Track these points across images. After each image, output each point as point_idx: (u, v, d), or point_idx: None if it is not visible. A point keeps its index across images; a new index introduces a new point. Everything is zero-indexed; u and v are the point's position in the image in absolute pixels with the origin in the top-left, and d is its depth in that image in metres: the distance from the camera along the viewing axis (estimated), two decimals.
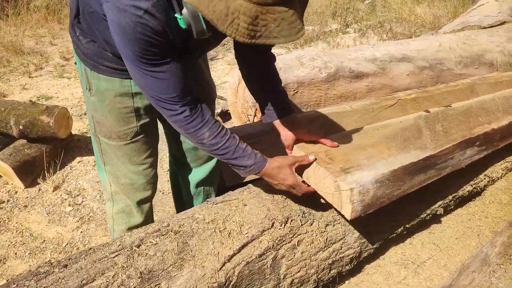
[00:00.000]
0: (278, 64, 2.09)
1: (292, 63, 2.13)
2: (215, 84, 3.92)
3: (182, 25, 0.93)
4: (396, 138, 1.47)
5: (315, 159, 1.23)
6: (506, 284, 1.58)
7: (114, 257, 1.03)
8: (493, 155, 2.00)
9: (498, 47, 3.38)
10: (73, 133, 2.66)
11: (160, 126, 1.43)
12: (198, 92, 1.38)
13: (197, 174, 1.58)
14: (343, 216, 1.26)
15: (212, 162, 1.58)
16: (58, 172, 2.38)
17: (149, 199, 1.43)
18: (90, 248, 1.08)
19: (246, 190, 1.34)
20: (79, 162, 2.49)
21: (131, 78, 1.18)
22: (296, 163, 1.21)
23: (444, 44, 2.97)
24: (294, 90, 2.11)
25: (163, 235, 1.12)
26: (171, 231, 1.13)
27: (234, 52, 1.34)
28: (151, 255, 1.05)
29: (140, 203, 1.40)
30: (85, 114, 3.09)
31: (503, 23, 3.95)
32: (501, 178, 2.07)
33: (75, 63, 1.29)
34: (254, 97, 1.38)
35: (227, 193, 1.34)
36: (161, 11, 0.91)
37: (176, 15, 0.92)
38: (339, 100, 2.30)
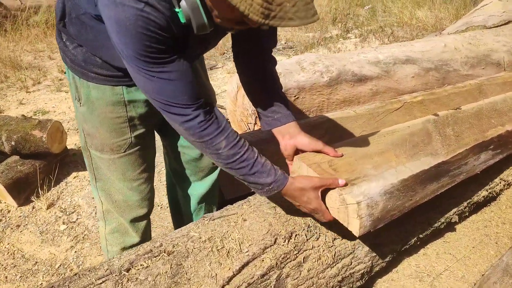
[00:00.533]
0: (278, 69, 1.99)
1: (293, 68, 2.05)
2: (215, 92, 3.85)
3: (182, 19, 0.84)
4: (405, 145, 1.36)
5: (346, 183, 1.08)
6: None
7: (101, 283, 0.93)
8: (507, 157, 1.89)
9: (504, 46, 3.28)
10: (68, 147, 2.58)
11: (157, 137, 1.35)
12: None
13: (198, 188, 1.48)
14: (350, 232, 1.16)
15: (214, 175, 1.48)
16: (52, 188, 2.29)
17: (145, 217, 1.33)
18: (76, 274, 0.98)
19: (246, 203, 1.25)
20: (74, 177, 2.41)
21: (123, 85, 1.10)
22: (324, 186, 1.05)
23: (449, 45, 2.88)
24: (295, 96, 2.02)
25: (155, 257, 1.02)
26: (164, 252, 1.03)
27: (232, 54, 1.25)
28: (141, 280, 0.95)
29: (135, 221, 1.31)
30: None
31: (508, 22, 3.86)
32: None
33: (65, 73, 1.21)
34: (253, 103, 1.27)
35: (225, 207, 1.24)
36: (163, 3, 0.82)
37: (174, 8, 0.84)
38: (342, 105, 2.21)
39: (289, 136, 1.19)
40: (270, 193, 1.02)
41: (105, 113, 1.13)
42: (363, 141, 1.35)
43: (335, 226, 1.26)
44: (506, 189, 1.92)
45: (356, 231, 1.06)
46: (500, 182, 1.80)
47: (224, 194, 1.62)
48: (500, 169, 1.83)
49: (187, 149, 1.38)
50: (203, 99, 0.97)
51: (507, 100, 1.99)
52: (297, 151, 1.22)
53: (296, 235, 1.18)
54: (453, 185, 1.42)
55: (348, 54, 2.41)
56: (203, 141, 0.97)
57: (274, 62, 1.25)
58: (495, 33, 3.48)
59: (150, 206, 1.33)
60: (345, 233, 1.28)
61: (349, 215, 1.05)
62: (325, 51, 5.10)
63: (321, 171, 1.13)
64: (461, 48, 2.96)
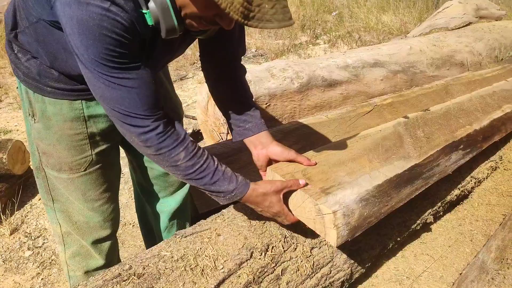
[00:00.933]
0: (248, 77, 1.97)
1: (262, 75, 2.03)
2: (186, 103, 3.78)
3: (149, 21, 0.79)
4: (377, 149, 1.35)
5: (307, 183, 1.08)
6: None
7: None
8: (476, 155, 1.93)
9: (467, 47, 3.39)
10: (31, 166, 2.45)
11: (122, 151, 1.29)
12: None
13: (168, 204, 1.41)
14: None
15: (185, 189, 1.42)
16: (16, 212, 2.17)
17: (109, 238, 1.25)
18: None
19: (220, 217, 1.20)
20: (40, 199, 2.29)
21: (82, 99, 1.04)
22: (285, 188, 1.04)
23: (415, 47, 2.94)
24: (266, 103, 2.00)
25: (124, 281, 0.96)
26: (134, 275, 0.97)
27: (201, 63, 1.21)
28: None
29: (97, 242, 1.22)
30: None
31: (468, 24, 4.01)
32: (486, 178, 2.00)
33: (17, 88, 1.11)
34: (223, 113, 1.23)
35: (198, 223, 1.19)
36: (129, 3, 0.77)
37: (141, 9, 0.79)
38: (314, 110, 2.20)
39: (261, 146, 1.16)
40: (232, 200, 1.00)
41: (63, 129, 1.05)
42: (336, 148, 1.33)
43: (312, 235, 1.23)
44: (477, 186, 1.96)
45: (333, 242, 1.03)
46: (471, 180, 1.83)
47: (197, 208, 1.57)
48: (470, 168, 1.86)
49: (154, 164, 1.31)
50: (162, 111, 0.93)
51: (473, 99, 2.04)
52: (270, 161, 1.19)
53: (272, 247, 1.14)
54: (427, 187, 1.43)
55: (317, 59, 2.41)
56: (160, 154, 0.93)
57: (243, 70, 1.22)
58: (457, 35, 3.60)
59: (114, 226, 1.25)
60: (322, 241, 1.26)
61: (325, 225, 1.02)
62: (295, 58, 5.13)
63: None
64: (426, 50, 3.03)
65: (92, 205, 1.16)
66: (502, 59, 3.74)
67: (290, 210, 1.10)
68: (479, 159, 1.92)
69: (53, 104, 1.03)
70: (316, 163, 1.19)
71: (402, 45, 2.92)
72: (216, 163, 0.99)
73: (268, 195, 1.02)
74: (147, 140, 0.91)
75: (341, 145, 1.35)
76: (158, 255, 1.04)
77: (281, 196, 1.04)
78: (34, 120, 1.07)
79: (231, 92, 1.18)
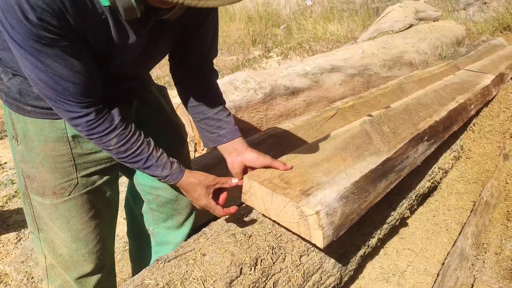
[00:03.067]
0: None
1: (226, 88, 2.00)
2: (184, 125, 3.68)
3: (104, 1, 0.73)
4: (348, 148, 1.37)
5: (238, 183, 1.10)
6: (488, 275, 1.51)
7: None
8: (440, 147, 2.00)
9: (413, 47, 3.57)
10: None
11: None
12: (164, 134, 1.18)
13: (176, 236, 1.32)
14: (314, 245, 1.10)
15: (192, 217, 1.33)
16: None
17: (94, 273, 1.13)
18: None
19: (202, 236, 1.13)
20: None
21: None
22: (217, 184, 1.06)
23: (367, 51, 3.05)
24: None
25: None
26: None
27: (169, 66, 1.15)
28: None
29: (81, 277, 1.11)
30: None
31: (411, 26, 4.24)
32: (452, 168, 2.07)
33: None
34: (195, 118, 1.17)
35: (180, 245, 1.12)
36: None
37: None
38: (280, 119, 2.20)
39: (236, 153, 1.13)
40: (168, 183, 1.04)
41: (45, 151, 0.99)
42: (308, 150, 1.33)
43: (299, 242, 1.20)
44: (445, 177, 2.02)
45: (320, 243, 1.01)
46: (439, 171, 1.89)
47: None
48: (435, 159, 1.92)
49: (161, 190, 1.22)
50: (95, 98, 0.89)
51: (428, 94, 2.12)
52: (246, 168, 1.16)
53: (261, 260, 1.09)
54: (401, 180, 1.45)
55: (277, 69, 2.43)
56: (91, 138, 0.94)
57: (216, 74, 1.18)
58: (402, 36, 3.78)
59: (102, 260, 1.13)
60: (310, 248, 1.23)
61: (310, 227, 1.00)
62: (251, 72, 5.17)
63: (273, 186, 1.08)
64: (377, 52, 3.15)
65: (76, 235, 1.05)
66: (445, 56, 3.97)
67: (271, 215, 1.09)
68: (442, 150, 1.99)
69: (35, 124, 0.97)
70: (292, 167, 1.18)
71: (355, 49, 3.01)
72: (151, 148, 0.99)
73: (197, 185, 1.04)
74: (78, 126, 0.91)
75: (313, 147, 1.36)
76: (141, 284, 0.96)
77: (211, 191, 1.06)
78: (17, 142, 1.00)
79: (204, 97, 1.13)
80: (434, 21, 4.96)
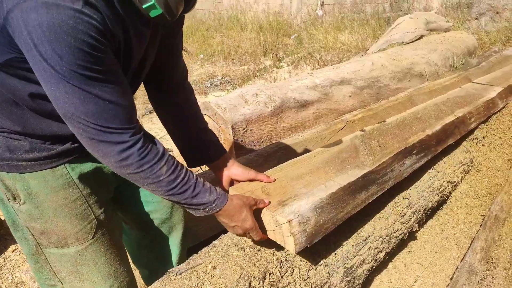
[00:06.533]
0: (222, 105, 1.99)
1: (236, 102, 2.04)
2: (158, 135, 3.73)
3: (155, 12, 0.78)
4: (334, 161, 1.41)
5: (270, 202, 1.12)
6: None
7: None
8: (449, 160, 2.01)
9: (423, 58, 3.58)
10: (2, 217, 2.32)
11: None
12: None
13: (174, 251, 1.33)
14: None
15: (183, 224, 1.34)
16: None
17: None
18: None
19: (212, 250, 1.17)
20: (13, 250, 2.15)
21: (63, 163, 0.94)
22: (255, 205, 1.05)
23: (376, 63, 3.07)
24: (243, 129, 2.00)
25: None
26: None
27: (148, 94, 1.16)
28: None
29: None
30: None
31: (421, 37, 4.24)
32: (461, 181, 2.07)
33: None
34: (178, 140, 1.19)
35: (191, 257, 1.16)
36: (101, 1, 0.72)
37: (143, 5, 0.77)
38: (289, 131, 2.23)
39: (223, 169, 1.19)
40: (212, 211, 0.98)
41: (56, 201, 0.95)
42: (295, 163, 1.38)
43: (306, 256, 1.22)
44: (454, 190, 2.02)
45: (292, 249, 1.07)
46: (448, 185, 1.89)
47: None
48: (444, 173, 1.93)
49: (154, 213, 1.23)
50: (138, 123, 0.88)
51: (427, 107, 2.12)
52: (233, 182, 1.22)
53: (270, 274, 1.12)
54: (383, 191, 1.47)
55: (287, 82, 2.46)
56: (142, 170, 0.86)
57: (192, 90, 1.20)
58: (413, 48, 3.80)
59: (129, 286, 1.15)
60: (318, 262, 1.25)
61: (283, 234, 1.07)
62: (262, 82, 5.22)
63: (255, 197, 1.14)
64: (387, 64, 3.17)
65: (107, 273, 1.06)
66: (456, 67, 3.96)
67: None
68: (452, 164, 1.99)
69: (35, 178, 0.92)
70: (275, 180, 1.24)
71: (365, 61, 3.04)
72: (195, 175, 0.96)
73: (243, 207, 1.01)
74: (128, 158, 0.83)
75: (300, 161, 1.41)
76: None
77: (252, 211, 1.04)
78: (19, 203, 0.94)
79: (184, 116, 1.16)
80: (445, 32, 4.96)
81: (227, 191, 1.18)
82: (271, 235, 1.12)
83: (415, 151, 1.65)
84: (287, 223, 1.05)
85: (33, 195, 0.93)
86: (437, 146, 1.82)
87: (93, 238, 1.02)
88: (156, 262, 1.36)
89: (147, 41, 0.93)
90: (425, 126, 1.85)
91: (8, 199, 0.94)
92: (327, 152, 1.48)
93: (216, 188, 0.99)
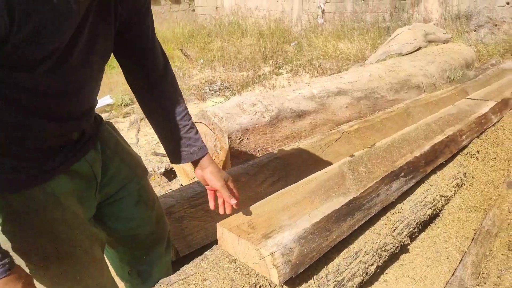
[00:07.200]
0: (219, 114, 2.00)
1: (233, 111, 2.06)
2: (156, 140, 3.73)
3: None
4: (320, 190, 1.43)
5: None
6: None
7: None
8: (442, 174, 2.02)
9: (420, 70, 3.61)
10: None
11: None
12: (129, 170, 1.15)
13: (166, 258, 1.35)
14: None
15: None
16: None
17: None
18: None
19: (204, 261, 1.18)
20: None
21: (46, 180, 0.89)
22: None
23: (374, 74, 3.10)
24: (239, 138, 2.02)
25: None
26: None
27: (131, 89, 1.13)
28: None
29: None
30: None
31: (419, 48, 4.28)
32: (454, 195, 2.09)
33: None
34: (159, 134, 1.16)
35: (182, 268, 1.17)
36: None
37: None
38: (285, 141, 2.25)
39: (200, 169, 1.18)
40: None
41: (39, 221, 0.91)
42: (283, 194, 1.39)
43: None
44: (447, 204, 2.04)
45: (276, 280, 1.09)
46: (441, 199, 1.90)
47: (178, 251, 1.53)
48: (438, 186, 1.94)
49: (138, 229, 1.21)
50: None
51: (418, 128, 2.12)
52: (206, 183, 1.20)
53: (260, 286, 1.13)
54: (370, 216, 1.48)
55: (284, 91, 2.49)
56: None
57: (174, 78, 1.14)
58: (410, 59, 3.83)
59: None
60: (308, 274, 1.26)
61: (267, 266, 1.09)
62: (260, 88, 5.25)
63: (240, 232, 1.16)
64: (384, 76, 3.20)
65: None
66: (453, 79, 4.00)
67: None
68: (445, 177, 2.00)
69: (17, 197, 0.86)
70: (236, 203, 1.18)
71: (362, 72, 3.06)
72: None
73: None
74: None
75: (288, 191, 1.42)
76: None
77: None
78: None
79: (171, 113, 1.12)
80: (444, 43, 5.00)
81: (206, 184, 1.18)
82: (256, 268, 1.15)
83: (402, 174, 1.66)
84: (270, 255, 1.07)
85: (14, 215, 0.87)
86: (426, 167, 1.83)
87: (75, 256, 0.99)
88: (139, 278, 1.34)
89: (77, 17, 0.76)
90: (413, 148, 1.85)
91: None
92: (315, 181, 1.49)
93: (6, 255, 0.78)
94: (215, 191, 1.21)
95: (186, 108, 1.16)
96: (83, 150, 0.97)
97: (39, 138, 0.86)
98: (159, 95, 1.11)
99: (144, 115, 1.17)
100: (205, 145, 1.19)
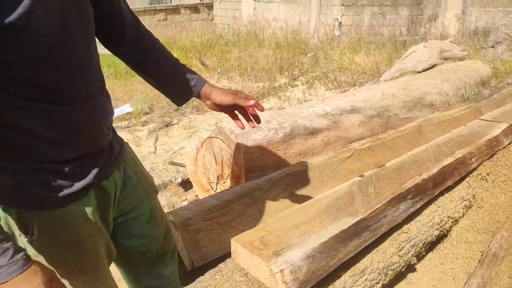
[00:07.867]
0: (235, 131, 2.10)
1: (248, 128, 2.14)
2: (173, 150, 3.85)
3: None
4: (330, 210, 1.49)
5: None
6: None
7: None
8: (451, 195, 2.07)
9: (434, 88, 3.64)
10: None
11: None
12: (143, 190, 1.16)
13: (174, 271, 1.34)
14: None
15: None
16: None
17: None
18: None
19: (218, 273, 1.27)
20: None
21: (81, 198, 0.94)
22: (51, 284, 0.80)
23: (387, 92, 3.15)
24: (253, 154, 2.10)
25: None
26: None
27: (112, 49, 1.12)
28: None
29: None
30: None
31: (434, 66, 4.31)
32: (463, 216, 2.13)
33: None
34: (156, 86, 1.19)
35: (197, 280, 1.26)
36: None
37: None
38: (298, 157, 2.32)
39: (207, 97, 1.21)
40: None
41: (68, 236, 0.93)
42: (294, 213, 1.47)
43: None
44: (455, 225, 2.08)
45: None
46: (448, 220, 1.95)
47: (193, 262, 1.62)
48: (446, 208, 1.99)
49: (147, 246, 1.20)
50: None
51: (428, 149, 2.16)
52: (219, 106, 1.21)
53: None
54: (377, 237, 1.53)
55: (298, 108, 2.56)
56: None
57: (150, 32, 1.15)
58: (425, 77, 3.87)
59: None
60: None
61: (277, 283, 1.17)
62: (275, 100, 5.34)
63: (252, 248, 1.25)
64: (397, 94, 3.25)
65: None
66: (468, 97, 4.01)
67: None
68: (454, 199, 2.05)
69: (53, 214, 0.88)
70: (255, 102, 1.16)
71: (376, 90, 3.12)
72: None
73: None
74: None
75: (299, 209, 1.49)
76: None
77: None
78: (31, 237, 0.88)
79: (159, 61, 1.14)
80: (460, 60, 5.01)
81: (217, 110, 1.21)
82: (267, 283, 1.23)
83: (410, 196, 1.70)
84: (279, 272, 1.15)
85: (49, 227, 0.89)
86: (434, 189, 1.87)
87: (97, 270, 1.02)
88: None
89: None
90: (422, 170, 1.89)
91: (20, 234, 0.89)
92: (325, 200, 1.56)
93: (16, 256, 0.74)
94: (234, 112, 1.22)
95: (167, 49, 1.17)
96: (112, 168, 1.05)
97: (71, 132, 0.87)
98: (141, 49, 1.12)
99: (140, 77, 1.18)
100: (200, 75, 1.21)
